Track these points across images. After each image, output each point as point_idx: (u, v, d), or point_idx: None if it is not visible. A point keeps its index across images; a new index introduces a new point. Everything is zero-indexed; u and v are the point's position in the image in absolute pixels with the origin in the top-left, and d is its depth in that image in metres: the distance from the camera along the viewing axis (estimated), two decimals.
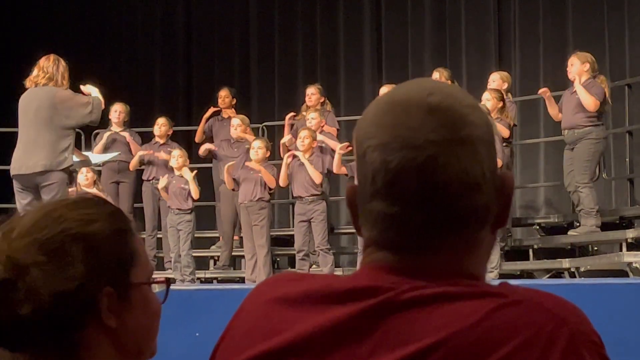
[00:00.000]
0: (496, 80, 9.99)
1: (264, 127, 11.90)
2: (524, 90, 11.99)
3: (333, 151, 9.99)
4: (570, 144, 9.27)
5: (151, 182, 10.67)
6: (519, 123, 10.29)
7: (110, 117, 10.86)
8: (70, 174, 7.93)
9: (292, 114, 10.91)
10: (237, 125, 10.54)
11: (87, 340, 1.50)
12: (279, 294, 1.30)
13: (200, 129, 11.29)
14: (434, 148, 1.23)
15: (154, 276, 1.60)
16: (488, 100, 9.34)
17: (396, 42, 13.35)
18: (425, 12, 13.21)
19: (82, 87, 8.10)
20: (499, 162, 8.44)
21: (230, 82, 12.42)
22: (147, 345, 1.57)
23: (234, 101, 11.41)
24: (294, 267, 10.37)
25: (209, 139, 11.20)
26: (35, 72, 7.79)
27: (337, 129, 10.53)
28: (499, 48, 12.81)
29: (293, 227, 11.07)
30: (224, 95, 11.31)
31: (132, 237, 1.56)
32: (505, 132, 9.23)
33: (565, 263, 9.41)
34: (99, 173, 10.55)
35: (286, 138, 10.63)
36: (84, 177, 9.71)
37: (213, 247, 11.24)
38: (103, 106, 7.99)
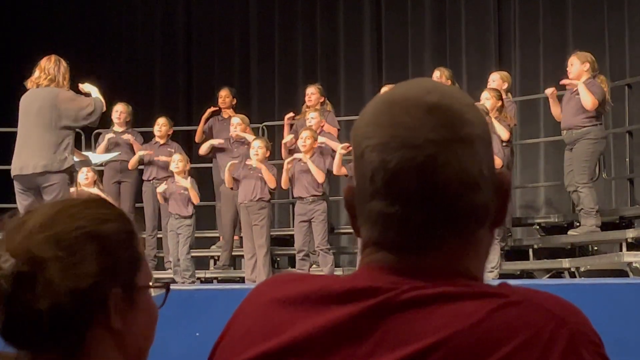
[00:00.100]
0: (496, 80, 9.99)
1: (264, 127, 11.90)
2: (524, 90, 11.99)
3: (333, 152, 9.99)
4: (569, 144, 9.27)
5: (151, 182, 10.67)
6: (519, 123, 10.29)
7: (112, 117, 10.87)
8: (71, 174, 7.94)
9: (291, 114, 10.91)
10: (237, 124, 10.53)
11: (93, 340, 1.50)
12: (279, 294, 1.30)
13: (199, 129, 11.29)
14: (433, 147, 1.23)
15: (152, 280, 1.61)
16: (487, 99, 9.34)
17: (396, 42, 13.35)
18: (426, 12, 13.21)
19: (80, 85, 8.10)
20: (499, 162, 8.45)
21: (230, 82, 12.42)
22: (146, 349, 1.58)
23: (234, 101, 11.42)
24: (294, 267, 10.37)
25: (209, 138, 11.19)
26: (36, 73, 7.79)
27: (338, 129, 10.53)
28: (499, 48, 12.81)
29: (293, 227, 11.08)
30: (224, 95, 11.31)
31: (138, 240, 1.57)
32: (505, 135, 9.23)
33: (565, 263, 9.41)
34: (100, 173, 10.55)
35: (287, 138, 10.62)
36: (84, 176, 9.71)
37: (213, 247, 11.24)
38: (104, 108, 8.00)
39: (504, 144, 9.17)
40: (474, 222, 1.26)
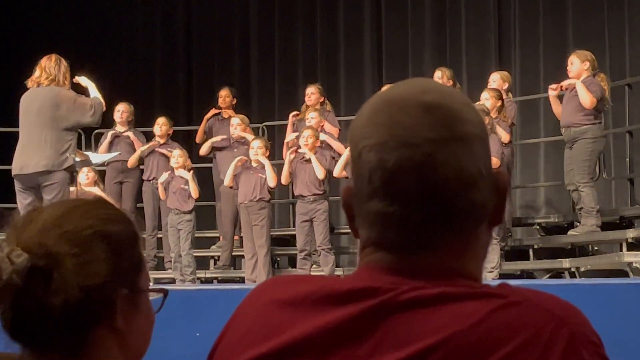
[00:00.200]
0: (496, 80, 9.99)
1: (264, 127, 11.90)
2: (524, 90, 11.99)
3: (334, 152, 9.97)
4: (569, 142, 9.28)
5: (151, 182, 10.67)
6: (519, 123, 10.30)
7: (114, 116, 10.88)
8: (72, 174, 7.94)
9: (295, 112, 10.90)
10: (236, 124, 10.53)
11: (97, 340, 1.50)
12: (278, 295, 1.30)
13: (201, 130, 11.28)
14: (431, 146, 1.23)
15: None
16: (487, 99, 9.34)
17: (396, 41, 13.35)
18: (426, 11, 13.21)
19: (76, 78, 8.10)
20: (497, 162, 8.45)
21: (230, 82, 12.41)
22: (144, 352, 1.58)
23: (234, 101, 11.41)
24: (294, 267, 10.37)
25: (210, 139, 11.19)
26: (37, 72, 7.80)
27: (339, 129, 10.52)
28: (499, 48, 12.82)
29: (293, 227, 11.07)
30: (224, 95, 11.31)
31: (140, 242, 1.58)
32: (505, 137, 9.24)
33: (566, 263, 9.41)
34: (102, 173, 10.56)
35: (291, 137, 10.60)
36: (84, 176, 9.71)
37: (213, 247, 11.24)
38: (104, 107, 8.00)
39: (504, 144, 9.17)
40: (472, 221, 1.26)
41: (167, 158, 10.42)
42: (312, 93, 10.69)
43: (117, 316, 1.51)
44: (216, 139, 10.91)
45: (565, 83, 9.25)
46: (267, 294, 1.32)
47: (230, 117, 10.94)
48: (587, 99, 8.97)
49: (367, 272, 1.28)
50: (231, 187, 10.20)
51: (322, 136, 9.99)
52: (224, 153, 10.71)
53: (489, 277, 8.64)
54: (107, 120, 10.76)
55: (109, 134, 10.77)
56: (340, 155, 9.81)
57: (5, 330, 1.49)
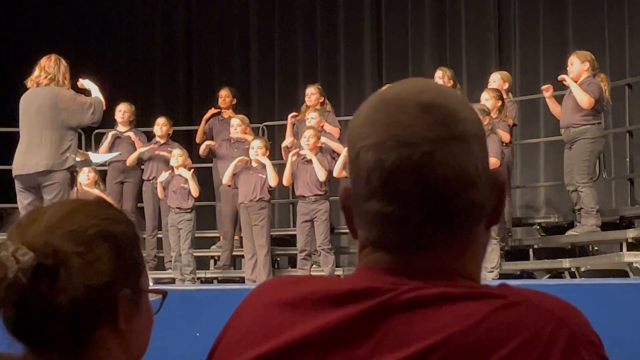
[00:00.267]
0: (497, 80, 9.99)
1: (264, 127, 11.90)
2: (524, 90, 11.98)
3: (334, 152, 9.97)
4: (568, 142, 9.28)
5: (151, 182, 10.67)
6: (519, 123, 10.29)
7: (115, 117, 10.88)
8: (72, 174, 7.95)
9: (294, 113, 10.90)
10: (236, 125, 10.53)
11: (99, 339, 1.51)
12: (277, 297, 1.30)
13: (200, 130, 11.29)
14: (429, 145, 1.23)
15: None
16: (487, 99, 9.34)
17: (396, 41, 13.35)
18: (426, 11, 13.21)
19: (80, 81, 8.11)
20: (496, 162, 8.45)
21: (230, 82, 12.41)
22: (144, 351, 1.59)
23: (234, 101, 11.41)
24: (294, 267, 10.37)
25: (210, 139, 11.19)
26: (36, 72, 7.80)
27: (340, 129, 10.51)
28: (499, 48, 12.82)
29: (293, 227, 11.07)
30: (224, 95, 11.31)
31: (141, 244, 1.58)
32: (506, 137, 9.24)
33: (566, 263, 9.41)
34: (103, 173, 10.57)
35: (287, 141, 10.61)
36: (85, 176, 9.70)
37: (213, 247, 11.24)
38: (104, 107, 8.00)
39: (504, 144, 9.17)
40: (471, 220, 1.26)
41: (167, 158, 10.42)
42: (312, 93, 10.69)
43: (119, 316, 1.51)
44: (211, 142, 10.88)
45: (561, 77, 9.24)
46: (266, 295, 1.32)
47: (230, 117, 10.94)
48: (584, 99, 8.96)
49: (367, 273, 1.27)
50: (229, 186, 10.20)
51: (322, 138, 9.98)
52: (224, 153, 10.71)
53: (489, 277, 8.64)
54: (108, 120, 10.77)
55: (110, 134, 10.77)
56: (339, 155, 9.80)
57: (7, 330, 1.49)
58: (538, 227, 10.68)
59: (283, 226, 11.95)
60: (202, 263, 10.90)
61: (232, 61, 14.12)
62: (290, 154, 9.98)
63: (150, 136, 11.04)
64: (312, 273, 9.70)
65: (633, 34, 11.82)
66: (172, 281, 10.04)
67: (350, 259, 11.34)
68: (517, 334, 1.19)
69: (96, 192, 9.56)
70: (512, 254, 10.00)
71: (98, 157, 10.08)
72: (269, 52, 13.96)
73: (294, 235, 10.44)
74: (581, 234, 9.31)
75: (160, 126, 10.78)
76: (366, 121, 1.28)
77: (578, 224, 9.43)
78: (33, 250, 1.45)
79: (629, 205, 10.23)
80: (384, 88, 1.33)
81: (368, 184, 1.25)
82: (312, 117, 10.23)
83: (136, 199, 10.80)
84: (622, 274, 8.68)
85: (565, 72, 9.31)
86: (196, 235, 10.39)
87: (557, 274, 9.64)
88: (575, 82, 9.12)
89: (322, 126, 10.22)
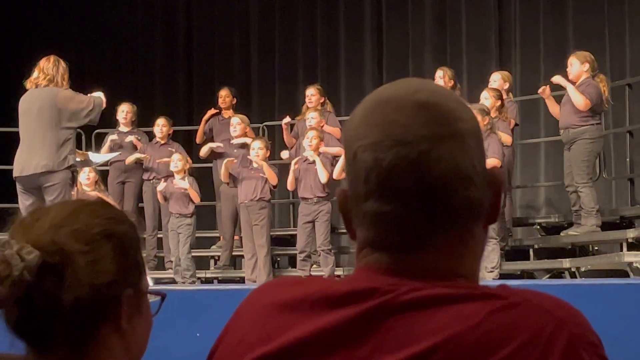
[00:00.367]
0: (497, 80, 9.99)
1: (264, 127, 11.90)
2: (524, 90, 11.98)
3: (335, 158, 9.95)
4: (567, 143, 9.29)
5: (152, 181, 10.67)
6: (520, 122, 10.29)
7: (117, 117, 10.89)
8: (73, 174, 7.95)
9: (287, 119, 10.88)
10: (236, 124, 10.53)
11: (102, 339, 1.51)
12: (276, 298, 1.30)
13: (200, 130, 11.29)
14: (426, 143, 1.23)
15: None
16: (486, 99, 9.35)
17: (397, 41, 13.35)
18: (426, 11, 13.21)
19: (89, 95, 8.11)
20: (498, 164, 8.45)
21: (230, 82, 12.41)
22: (143, 352, 1.59)
23: (234, 101, 11.41)
24: (294, 267, 10.36)
25: (210, 139, 11.20)
26: (35, 73, 7.81)
27: (340, 130, 10.50)
28: (499, 47, 12.82)
29: (293, 227, 11.07)
30: (224, 95, 11.31)
31: (141, 246, 1.58)
32: (507, 139, 9.25)
33: (566, 263, 9.41)
34: (104, 173, 10.57)
35: (285, 154, 10.62)
36: (85, 177, 9.70)
37: (213, 247, 11.24)
38: (104, 105, 8.00)
39: (504, 145, 9.17)
40: (469, 219, 1.27)
41: (168, 157, 10.42)
42: (312, 95, 10.69)
43: (121, 316, 1.51)
44: (214, 144, 10.88)
45: (553, 79, 9.24)
46: (265, 297, 1.32)
47: (230, 117, 10.94)
48: (580, 100, 8.97)
49: (366, 274, 1.27)
50: (227, 184, 10.21)
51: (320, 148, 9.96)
52: (225, 153, 10.71)
53: (489, 277, 8.64)
54: (109, 121, 10.79)
55: (109, 140, 10.77)
56: (339, 156, 9.79)
57: (10, 328, 1.49)
58: (538, 227, 10.68)
59: (283, 226, 11.95)
60: (202, 263, 10.91)
61: (232, 61, 14.12)
62: (292, 162, 9.98)
63: (150, 136, 11.04)
64: (312, 273, 9.71)
65: (633, 34, 11.82)
66: (173, 281, 10.04)
67: (351, 259, 11.33)
68: (516, 335, 1.18)
69: (96, 193, 9.56)
70: (512, 254, 9.99)
71: (98, 157, 10.09)
72: (269, 52, 13.96)
73: (294, 236, 10.43)
74: (581, 234, 9.31)
75: (160, 127, 10.78)
76: (362, 122, 1.28)
77: (576, 224, 9.44)
78: (38, 249, 1.45)
79: (629, 205, 10.23)
80: (378, 89, 1.33)
81: (366, 184, 1.25)
82: (312, 117, 10.22)
83: (137, 199, 10.81)
84: (622, 274, 8.68)
85: (565, 72, 9.32)
86: (196, 235, 10.39)
87: (557, 274, 9.64)
88: (575, 83, 9.12)
89: (322, 126, 10.21)
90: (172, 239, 10.14)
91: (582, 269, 9.23)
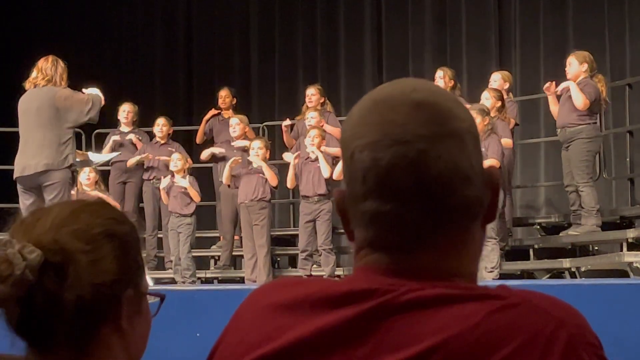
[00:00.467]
0: (498, 80, 10.00)
1: (264, 127, 11.90)
2: (524, 90, 11.99)
3: (335, 159, 9.95)
4: (564, 142, 9.29)
5: (152, 181, 10.68)
6: (519, 122, 10.29)
7: (119, 117, 10.90)
8: (73, 174, 7.95)
9: (287, 121, 10.88)
10: (235, 124, 10.54)
11: (102, 339, 1.51)
12: (275, 299, 1.30)
13: (200, 130, 11.30)
14: (423, 142, 1.23)
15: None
16: (487, 99, 9.36)
17: (397, 41, 13.35)
18: (426, 11, 13.21)
19: (84, 91, 8.11)
20: (498, 164, 8.46)
21: (230, 82, 12.41)
22: (142, 353, 1.59)
23: (234, 101, 11.42)
24: (294, 267, 10.36)
25: (210, 139, 11.20)
26: (34, 73, 7.81)
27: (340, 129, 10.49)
28: (499, 47, 12.82)
29: (294, 227, 11.07)
30: (224, 95, 11.31)
31: (141, 247, 1.58)
32: (509, 143, 9.26)
33: (566, 263, 9.41)
34: (105, 173, 10.58)
35: (287, 156, 10.63)
36: (86, 176, 9.70)
37: (213, 247, 11.24)
38: (103, 102, 8.00)
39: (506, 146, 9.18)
40: (467, 217, 1.27)
41: (168, 157, 10.43)
42: (312, 94, 10.69)
43: (122, 316, 1.51)
44: (216, 150, 10.86)
45: (559, 88, 9.26)
46: (265, 298, 1.32)
47: (230, 117, 10.94)
48: (580, 100, 8.97)
49: (365, 274, 1.28)
50: (229, 186, 10.21)
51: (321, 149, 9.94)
52: (225, 154, 10.71)
53: (489, 277, 8.64)
54: (110, 120, 10.80)
55: (111, 140, 10.77)
56: (339, 157, 9.77)
57: (10, 327, 1.49)
58: (538, 227, 10.67)
59: (283, 226, 11.95)
60: (202, 263, 10.90)
61: (232, 61, 14.12)
62: (293, 157, 9.97)
63: (150, 136, 11.05)
64: (313, 273, 9.71)
65: (633, 34, 11.82)
66: (173, 281, 10.05)
67: (352, 259, 11.31)
68: (516, 336, 1.19)
69: (96, 193, 9.56)
70: (512, 254, 9.99)
71: (98, 156, 10.09)
72: (269, 52, 13.96)
73: (295, 235, 10.43)
74: (581, 234, 9.31)
75: (160, 127, 10.79)
76: (359, 122, 1.28)
77: (575, 224, 9.44)
78: (40, 248, 1.45)
79: (629, 205, 10.23)
80: (376, 89, 1.33)
81: (364, 184, 1.26)
82: (312, 117, 10.22)
83: (138, 199, 10.82)
84: (622, 274, 8.68)
85: (564, 72, 9.32)
86: (196, 235, 10.39)
87: (557, 274, 9.63)
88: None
89: (322, 126, 10.21)
90: (172, 239, 10.14)
91: (582, 269, 9.23)
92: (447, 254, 1.26)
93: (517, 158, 11.37)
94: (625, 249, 8.99)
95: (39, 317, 1.47)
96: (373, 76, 13.29)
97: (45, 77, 7.76)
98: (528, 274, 9.90)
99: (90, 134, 11.36)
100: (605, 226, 9.40)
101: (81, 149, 10.07)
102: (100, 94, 7.97)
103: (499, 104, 9.39)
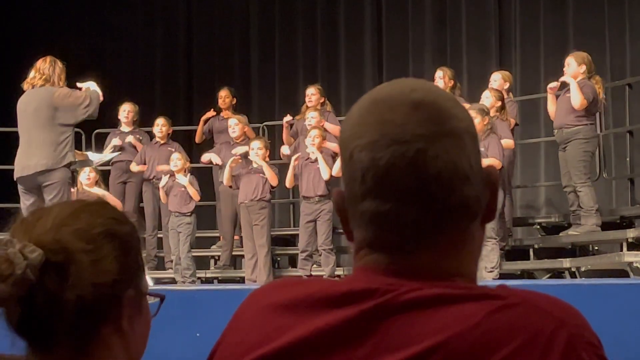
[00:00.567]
0: (498, 79, 10.00)
1: (264, 127, 11.90)
2: (524, 90, 11.99)
3: (336, 155, 9.96)
4: (561, 143, 9.30)
5: (152, 181, 10.68)
6: (519, 122, 10.30)
7: (119, 117, 10.91)
8: (72, 174, 7.96)
9: (288, 117, 10.89)
10: (234, 125, 10.55)
11: (103, 339, 1.51)
12: (275, 299, 1.30)
13: (199, 130, 11.31)
14: (422, 141, 1.24)
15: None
16: (487, 98, 9.36)
17: (397, 41, 13.35)
18: (426, 11, 13.21)
19: (79, 84, 8.11)
20: (499, 164, 8.46)
21: (230, 82, 12.41)
22: (142, 353, 1.59)
23: (234, 101, 11.42)
24: (295, 267, 10.36)
25: (210, 139, 11.21)
26: (32, 73, 7.82)
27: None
28: (499, 47, 12.82)
29: (294, 227, 11.07)
30: (224, 95, 11.31)
31: (142, 247, 1.59)
32: (510, 144, 9.26)
33: (566, 263, 9.41)
34: (106, 173, 10.58)
35: (285, 148, 10.62)
36: (86, 176, 9.71)
37: (213, 247, 11.25)
38: (101, 98, 7.99)
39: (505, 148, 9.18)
40: (466, 217, 1.27)
41: (168, 157, 10.42)
42: (312, 94, 10.69)
43: (122, 316, 1.52)
44: (215, 159, 10.83)
45: (561, 79, 9.26)
46: (265, 298, 1.32)
47: (230, 117, 10.94)
48: (577, 99, 8.98)
49: (364, 274, 1.28)
50: (230, 187, 10.21)
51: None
52: (226, 154, 10.71)
53: (489, 277, 8.64)
54: (110, 120, 10.80)
55: (113, 140, 10.77)
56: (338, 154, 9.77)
57: (11, 327, 1.49)
58: (538, 227, 10.68)
59: (283, 226, 11.95)
60: (202, 263, 10.90)
61: (232, 61, 14.12)
62: (292, 158, 9.97)
63: (151, 136, 11.06)
64: (313, 273, 9.71)
65: (633, 34, 11.82)
66: (173, 281, 10.05)
67: (352, 258, 11.31)
68: (516, 336, 1.18)
69: (99, 191, 9.55)
70: (512, 253, 9.99)
71: (97, 157, 10.10)
72: (269, 52, 13.96)
73: (295, 235, 10.43)
74: (581, 233, 9.32)
75: (160, 127, 10.79)
76: (358, 122, 1.29)
77: (575, 224, 9.44)
78: (41, 247, 1.45)
79: (629, 205, 10.23)
80: (374, 89, 1.33)
81: (363, 184, 1.26)
82: (312, 117, 10.22)
83: (138, 198, 10.83)
84: (622, 274, 8.68)
85: (563, 73, 9.33)
86: (196, 235, 10.40)
87: (557, 274, 9.64)
88: None
89: (322, 125, 10.22)
90: (172, 238, 10.14)
91: (582, 269, 9.23)
92: (446, 253, 1.26)
93: (517, 158, 11.37)
94: (625, 248, 8.99)
95: (39, 316, 1.46)
96: (373, 76, 13.29)
97: (42, 76, 7.77)
98: (528, 274, 9.90)
99: (90, 134, 11.35)
100: (605, 226, 9.41)
101: (81, 149, 10.08)
102: (98, 90, 7.97)
103: (499, 103, 9.40)
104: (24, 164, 7.74)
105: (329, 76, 13.36)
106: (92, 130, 11.14)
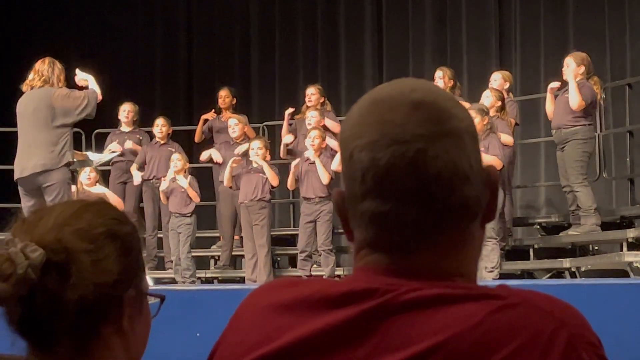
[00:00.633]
0: (498, 79, 10.00)
1: (264, 127, 11.90)
2: (524, 90, 11.99)
3: (334, 151, 9.96)
4: (559, 144, 9.31)
5: (151, 181, 10.68)
6: (519, 122, 10.30)
7: (119, 116, 10.91)
8: (72, 174, 7.95)
9: (291, 109, 10.90)
10: (234, 125, 10.55)
11: (103, 339, 1.51)
12: (275, 300, 1.30)
13: (198, 130, 11.31)
14: (422, 141, 1.24)
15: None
16: (487, 97, 9.37)
17: (397, 41, 13.35)
18: (426, 11, 13.21)
19: (77, 73, 8.09)
20: (500, 164, 8.46)
21: (230, 82, 12.41)
22: (142, 354, 1.59)
23: (234, 101, 11.42)
24: (294, 267, 10.36)
25: (210, 139, 11.21)
26: (31, 75, 7.83)
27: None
28: (499, 48, 12.82)
29: (294, 227, 11.06)
30: (224, 95, 11.31)
31: (142, 247, 1.59)
32: (509, 140, 9.26)
33: (566, 263, 9.41)
34: (106, 173, 10.58)
35: (287, 138, 10.60)
36: (86, 176, 9.71)
37: (213, 247, 11.25)
38: (100, 97, 7.99)
39: (506, 145, 9.18)
40: (467, 217, 1.27)
41: (168, 157, 10.43)
42: (312, 94, 10.69)
43: (123, 316, 1.52)
44: (216, 156, 10.84)
45: (565, 78, 9.27)
46: (264, 298, 1.32)
47: (230, 117, 10.94)
48: (576, 100, 8.98)
49: (365, 274, 1.28)
50: (231, 187, 10.21)
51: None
52: (226, 154, 10.71)
53: (489, 277, 8.64)
54: (110, 120, 10.80)
55: (110, 145, 10.76)
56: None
57: (11, 327, 1.49)
58: (538, 226, 10.68)
59: (283, 226, 11.95)
60: (202, 263, 10.91)
61: (232, 61, 14.12)
62: (292, 164, 9.97)
63: (151, 136, 11.06)
64: (313, 273, 9.71)
65: (633, 34, 11.82)
66: (173, 281, 10.05)
67: (352, 258, 11.30)
68: (516, 336, 1.18)
69: (99, 191, 9.55)
70: (513, 253, 9.99)
71: (97, 157, 10.09)
72: (269, 52, 13.96)
73: (295, 235, 10.43)
74: (581, 233, 9.32)
75: (160, 127, 10.79)
76: (358, 122, 1.29)
77: (574, 224, 9.44)
78: (42, 247, 1.45)
79: (629, 205, 10.23)
80: (374, 89, 1.33)
81: (363, 184, 1.26)
82: (312, 116, 10.22)
83: (138, 198, 10.83)
84: (622, 274, 8.68)
85: (562, 73, 9.33)
86: (196, 235, 10.40)
87: (557, 274, 9.64)
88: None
89: (322, 125, 10.21)
90: (172, 239, 10.15)
91: (582, 269, 9.23)
92: (446, 253, 1.26)
93: (517, 158, 11.37)
94: (625, 248, 9.00)
95: (40, 316, 1.47)
96: (373, 76, 13.29)
97: (41, 78, 7.77)
98: (528, 274, 9.91)
99: (90, 134, 11.35)
100: (605, 226, 9.41)
101: (81, 149, 10.07)
102: (97, 87, 7.96)
103: (499, 103, 9.40)
104: (23, 165, 7.74)
105: (329, 76, 13.36)
106: (92, 130, 11.14)
